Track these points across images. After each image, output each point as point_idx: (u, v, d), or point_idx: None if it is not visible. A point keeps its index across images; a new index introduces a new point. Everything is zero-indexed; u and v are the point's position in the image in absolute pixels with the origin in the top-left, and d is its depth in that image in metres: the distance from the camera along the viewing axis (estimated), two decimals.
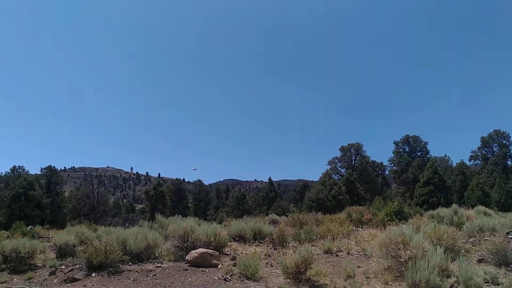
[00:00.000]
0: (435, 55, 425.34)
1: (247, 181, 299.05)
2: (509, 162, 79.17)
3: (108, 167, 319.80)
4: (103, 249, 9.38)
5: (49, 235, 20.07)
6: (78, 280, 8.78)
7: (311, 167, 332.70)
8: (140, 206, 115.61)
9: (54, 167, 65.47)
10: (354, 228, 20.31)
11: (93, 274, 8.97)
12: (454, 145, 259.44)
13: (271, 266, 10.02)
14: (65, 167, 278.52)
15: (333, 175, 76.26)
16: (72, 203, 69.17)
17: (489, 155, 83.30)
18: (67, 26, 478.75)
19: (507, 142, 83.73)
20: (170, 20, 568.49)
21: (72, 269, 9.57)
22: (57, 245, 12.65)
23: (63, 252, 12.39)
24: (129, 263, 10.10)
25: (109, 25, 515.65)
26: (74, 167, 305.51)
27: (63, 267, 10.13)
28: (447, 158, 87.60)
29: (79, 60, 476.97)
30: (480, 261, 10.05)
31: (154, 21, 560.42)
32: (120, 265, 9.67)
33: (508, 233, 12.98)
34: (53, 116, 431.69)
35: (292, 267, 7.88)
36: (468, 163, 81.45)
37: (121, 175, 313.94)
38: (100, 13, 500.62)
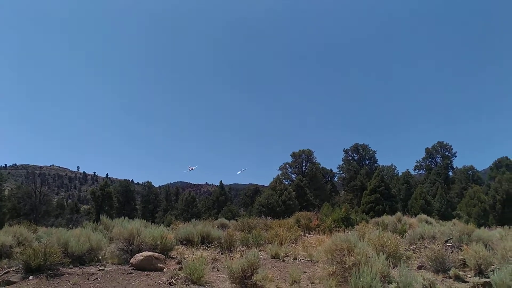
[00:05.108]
0: (387, 64, 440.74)
1: (198, 184, 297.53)
2: (450, 173, 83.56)
3: (53, 165, 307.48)
4: (42, 251, 8.94)
5: None
6: (13, 283, 8.31)
7: (263, 172, 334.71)
8: (85, 207, 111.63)
9: None
10: (302, 233, 20.58)
11: (30, 277, 8.53)
12: (401, 154, 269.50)
13: (218, 270, 9.96)
14: (5, 164, 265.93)
15: (284, 181, 77.33)
16: (12, 202, 65.57)
17: (433, 166, 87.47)
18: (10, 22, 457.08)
19: (449, 154, 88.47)
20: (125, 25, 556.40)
21: (8, 272, 9.05)
22: None
23: None
24: (70, 266, 9.71)
25: (55, 19, 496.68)
26: (15, 164, 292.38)
27: None
28: (393, 167, 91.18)
29: (21, 56, 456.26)
30: (420, 267, 10.48)
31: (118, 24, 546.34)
32: (60, 268, 9.25)
33: (446, 241, 13.65)
34: None
35: (238, 272, 7.87)
36: (413, 172, 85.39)
37: (66, 174, 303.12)
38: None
